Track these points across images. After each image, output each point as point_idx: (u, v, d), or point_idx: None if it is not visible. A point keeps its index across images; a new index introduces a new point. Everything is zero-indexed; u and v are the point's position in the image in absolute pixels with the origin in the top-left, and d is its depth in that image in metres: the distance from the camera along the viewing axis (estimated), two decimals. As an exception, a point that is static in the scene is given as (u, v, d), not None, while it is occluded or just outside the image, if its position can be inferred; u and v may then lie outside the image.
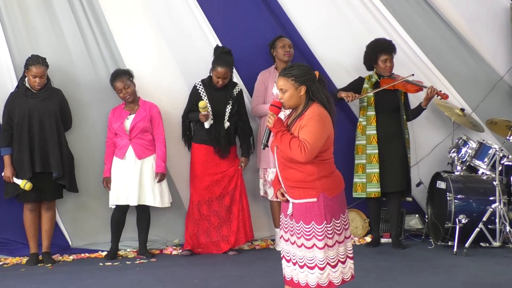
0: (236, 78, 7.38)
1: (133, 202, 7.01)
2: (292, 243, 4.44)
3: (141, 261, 6.95)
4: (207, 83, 7.19)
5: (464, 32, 7.90)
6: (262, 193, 7.35)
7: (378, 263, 6.63)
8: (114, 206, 7.06)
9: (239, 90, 7.25)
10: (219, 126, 7.12)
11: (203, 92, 7.16)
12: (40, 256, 6.95)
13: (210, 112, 7.04)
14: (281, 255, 4.55)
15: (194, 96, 7.16)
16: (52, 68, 6.91)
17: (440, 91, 7.33)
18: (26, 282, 6.18)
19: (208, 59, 7.12)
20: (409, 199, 7.54)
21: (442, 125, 7.91)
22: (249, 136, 7.31)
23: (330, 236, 4.33)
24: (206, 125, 7.03)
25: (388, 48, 7.32)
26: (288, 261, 4.50)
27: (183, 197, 7.51)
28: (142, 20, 7.44)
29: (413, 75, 7.35)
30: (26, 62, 6.79)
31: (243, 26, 7.63)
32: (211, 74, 7.13)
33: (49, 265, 6.80)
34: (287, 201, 4.43)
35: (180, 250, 7.28)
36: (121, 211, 7.09)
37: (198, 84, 7.21)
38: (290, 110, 4.48)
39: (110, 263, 6.86)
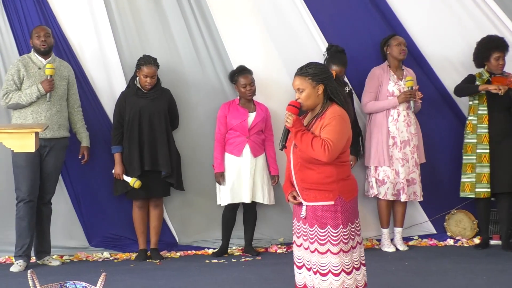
0: (340, 76, 7.35)
1: (246, 199, 7.03)
2: (306, 249, 4.34)
3: (247, 259, 7.00)
4: None
5: None
6: (374, 192, 7.23)
7: (487, 266, 6.47)
8: (226, 204, 7.10)
9: (348, 90, 7.11)
10: None
11: None
12: (149, 252, 7.09)
13: None
14: (293, 261, 4.46)
15: None
16: (162, 68, 7.04)
17: None
18: (135, 277, 6.32)
19: (315, 57, 7.00)
20: None
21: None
22: (358, 135, 7.23)
23: (346, 241, 4.23)
24: None
25: (501, 46, 7.16)
26: (299, 267, 4.41)
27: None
28: (249, 20, 7.48)
29: None
30: (137, 62, 6.93)
31: (350, 25, 7.56)
32: None
33: (157, 261, 6.92)
34: (300, 204, 4.33)
35: (285, 249, 7.30)
36: (232, 209, 7.15)
37: None
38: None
39: (216, 260, 6.94)
